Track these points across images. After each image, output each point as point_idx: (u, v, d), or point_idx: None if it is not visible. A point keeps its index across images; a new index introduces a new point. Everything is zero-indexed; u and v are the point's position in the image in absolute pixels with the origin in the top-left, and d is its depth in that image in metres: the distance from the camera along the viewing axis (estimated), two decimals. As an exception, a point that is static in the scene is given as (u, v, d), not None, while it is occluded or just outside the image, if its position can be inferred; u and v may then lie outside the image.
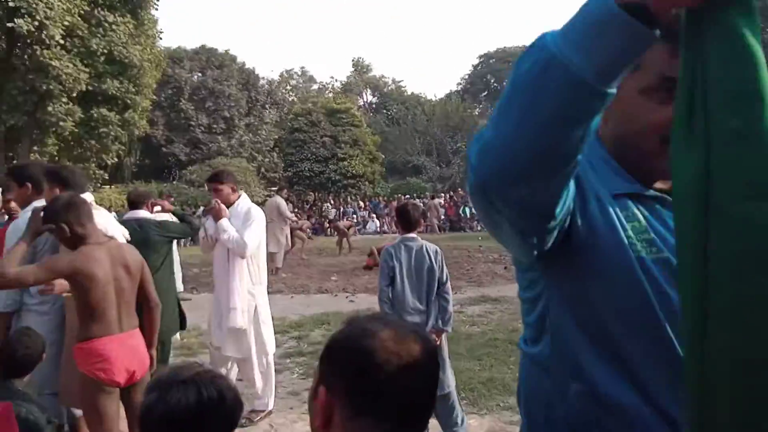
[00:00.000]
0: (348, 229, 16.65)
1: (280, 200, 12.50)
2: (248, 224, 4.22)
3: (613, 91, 0.80)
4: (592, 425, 1.09)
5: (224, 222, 4.19)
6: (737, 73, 0.77)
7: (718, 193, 0.75)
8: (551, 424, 1.17)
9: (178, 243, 4.64)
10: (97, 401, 2.70)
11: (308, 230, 16.71)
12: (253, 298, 4.32)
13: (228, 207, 4.31)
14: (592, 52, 0.77)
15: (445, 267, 3.76)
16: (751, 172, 0.75)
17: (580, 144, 0.85)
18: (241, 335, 4.24)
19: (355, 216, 25.45)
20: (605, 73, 0.78)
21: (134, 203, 5.09)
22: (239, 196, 4.45)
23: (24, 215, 3.40)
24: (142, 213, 5.06)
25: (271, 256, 12.17)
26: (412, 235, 3.76)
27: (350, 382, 0.97)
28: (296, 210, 21.01)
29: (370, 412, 0.95)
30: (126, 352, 2.77)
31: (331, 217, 23.98)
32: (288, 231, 12.42)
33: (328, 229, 22.88)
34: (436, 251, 3.75)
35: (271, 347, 4.47)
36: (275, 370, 5.42)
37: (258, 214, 4.39)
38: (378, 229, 24.81)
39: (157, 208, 5.42)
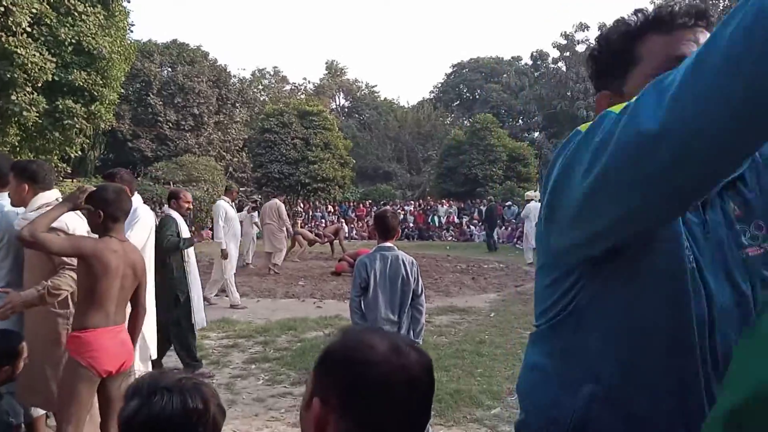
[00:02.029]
0: (337, 232, 16.76)
1: (280, 204, 12.75)
2: (134, 224, 4.20)
3: None
4: (597, 430, 1.10)
5: None
6: None
7: None
8: (553, 423, 1.17)
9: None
10: (78, 388, 2.77)
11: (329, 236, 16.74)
12: None
13: None
14: None
15: (420, 279, 3.80)
16: None
17: None
18: None
19: (323, 220, 25.37)
20: None
21: None
22: (131, 196, 4.44)
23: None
24: None
25: (267, 256, 12.65)
26: (389, 244, 3.78)
27: (347, 395, 0.96)
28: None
29: (366, 426, 0.95)
30: (116, 344, 2.89)
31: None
32: (286, 234, 12.82)
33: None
34: (412, 262, 3.78)
35: (146, 354, 4.38)
36: (239, 376, 5.41)
37: (144, 215, 4.36)
38: (346, 234, 24.76)
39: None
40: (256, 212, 13.36)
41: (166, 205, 6.03)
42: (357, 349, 0.99)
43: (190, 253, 5.82)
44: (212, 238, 10.45)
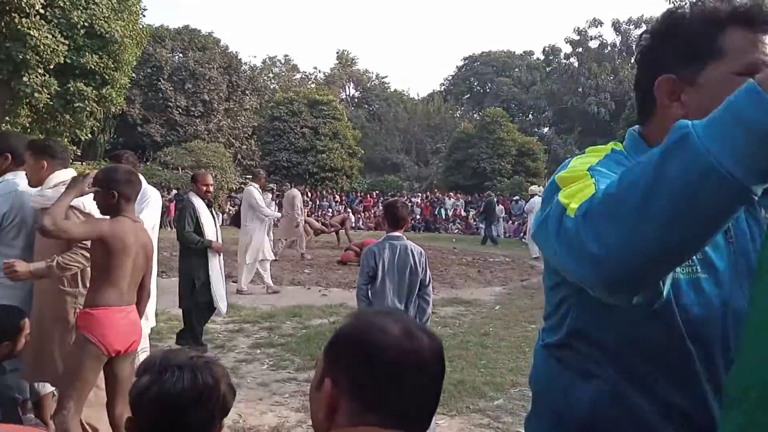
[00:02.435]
0: (343, 222, 16.78)
1: (296, 192, 13.01)
2: (144, 205, 4.22)
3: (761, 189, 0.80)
4: (604, 424, 1.12)
5: None
6: None
7: None
8: (560, 416, 1.19)
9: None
10: (85, 364, 2.77)
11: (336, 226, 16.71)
12: None
13: None
14: (754, 162, 0.76)
15: (428, 269, 3.81)
16: None
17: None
18: None
19: (330, 210, 25.40)
20: (764, 178, 0.78)
21: None
22: None
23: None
24: None
25: (274, 243, 12.54)
26: (398, 233, 3.79)
27: (359, 377, 0.97)
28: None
29: (377, 408, 0.96)
30: (127, 323, 2.90)
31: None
32: (302, 221, 13.06)
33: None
34: (421, 252, 3.78)
35: (147, 331, 4.34)
36: (244, 361, 5.45)
37: (155, 197, 4.39)
38: (353, 224, 24.78)
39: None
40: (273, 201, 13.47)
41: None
42: (369, 331, 0.99)
43: (220, 240, 5.84)
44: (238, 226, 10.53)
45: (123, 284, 2.86)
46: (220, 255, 5.81)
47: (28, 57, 15.05)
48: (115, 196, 2.85)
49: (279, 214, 10.43)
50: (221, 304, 5.70)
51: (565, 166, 1.13)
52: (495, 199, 21.50)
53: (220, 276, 5.80)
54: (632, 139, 1.22)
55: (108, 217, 2.92)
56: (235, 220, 11.02)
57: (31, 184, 3.32)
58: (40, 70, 15.56)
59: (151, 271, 3.17)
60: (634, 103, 1.22)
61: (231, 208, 24.71)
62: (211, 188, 5.90)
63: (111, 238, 2.78)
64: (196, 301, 5.60)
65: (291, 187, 13.91)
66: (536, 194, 15.39)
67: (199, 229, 5.63)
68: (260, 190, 9.29)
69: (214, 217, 5.93)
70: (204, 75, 34.06)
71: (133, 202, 2.98)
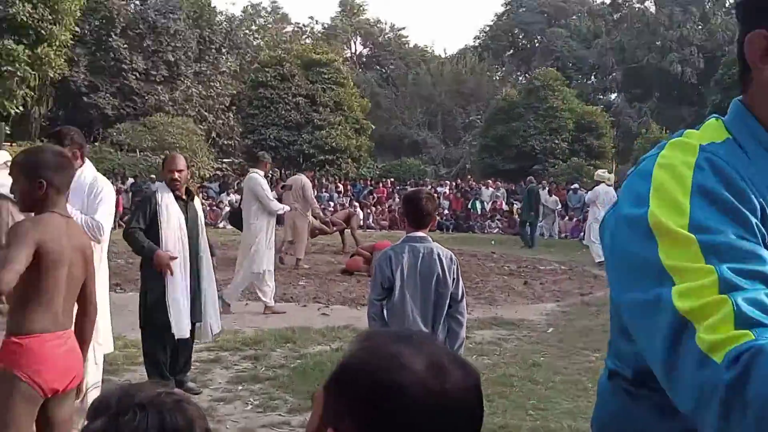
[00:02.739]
0: (349, 219, 16.77)
1: (306, 180, 12.88)
2: (98, 201, 4.29)
3: None
4: None
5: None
6: None
7: None
8: None
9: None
10: (16, 411, 2.74)
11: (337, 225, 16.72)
12: None
13: None
14: None
15: (460, 280, 3.81)
16: None
17: None
18: None
19: (331, 203, 25.43)
20: None
21: None
22: (83, 164, 4.44)
23: None
24: None
25: (288, 246, 12.85)
26: (421, 234, 3.79)
27: (370, 424, 0.96)
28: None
29: None
30: (65, 354, 2.87)
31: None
32: (311, 219, 13.15)
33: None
34: (451, 258, 3.79)
35: (100, 357, 4.48)
36: (221, 400, 5.48)
37: (107, 189, 4.45)
38: (361, 222, 24.79)
39: None
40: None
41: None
42: (385, 367, 0.98)
43: (202, 243, 5.73)
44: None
45: (58, 302, 2.83)
46: (180, 270, 5.50)
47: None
48: (42, 187, 2.80)
49: (288, 208, 10.22)
50: (175, 327, 5.38)
51: (646, 177, 1.10)
52: (543, 187, 21.31)
53: (183, 291, 5.49)
54: (736, 112, 1.19)
55: (32, 214, 2.89)
56: (234, 219, 10.85)
57: None
58: (-43, 25, 15.73)
59: (93, 275, 3.14)
60: (729, 60, 1.21)
61: (203, 201, 24.79)
62: (178, 175, 5.57)
63: (42, 244, 2.72)
64: (150, 321, 5.44)
65: (285, 173, 13.83)
66: (603, 181, 15.18)
67: (155, 229, 5.40)
68: (264, 178, 9.19)
69: (193, 215, 5.73)
70: (168, 28, 34.14)
71: (64, 192, 2.93)
